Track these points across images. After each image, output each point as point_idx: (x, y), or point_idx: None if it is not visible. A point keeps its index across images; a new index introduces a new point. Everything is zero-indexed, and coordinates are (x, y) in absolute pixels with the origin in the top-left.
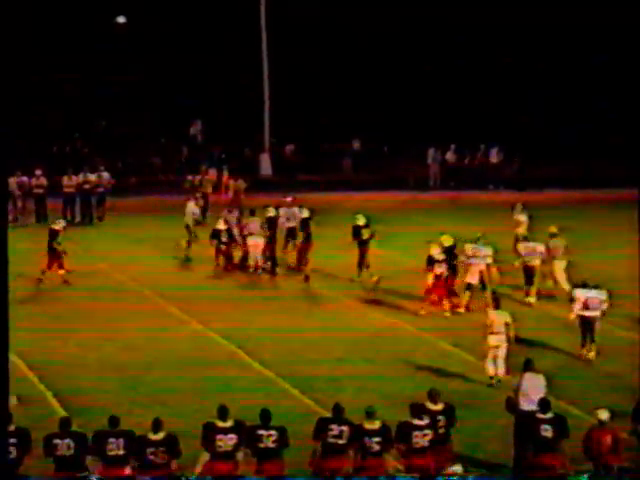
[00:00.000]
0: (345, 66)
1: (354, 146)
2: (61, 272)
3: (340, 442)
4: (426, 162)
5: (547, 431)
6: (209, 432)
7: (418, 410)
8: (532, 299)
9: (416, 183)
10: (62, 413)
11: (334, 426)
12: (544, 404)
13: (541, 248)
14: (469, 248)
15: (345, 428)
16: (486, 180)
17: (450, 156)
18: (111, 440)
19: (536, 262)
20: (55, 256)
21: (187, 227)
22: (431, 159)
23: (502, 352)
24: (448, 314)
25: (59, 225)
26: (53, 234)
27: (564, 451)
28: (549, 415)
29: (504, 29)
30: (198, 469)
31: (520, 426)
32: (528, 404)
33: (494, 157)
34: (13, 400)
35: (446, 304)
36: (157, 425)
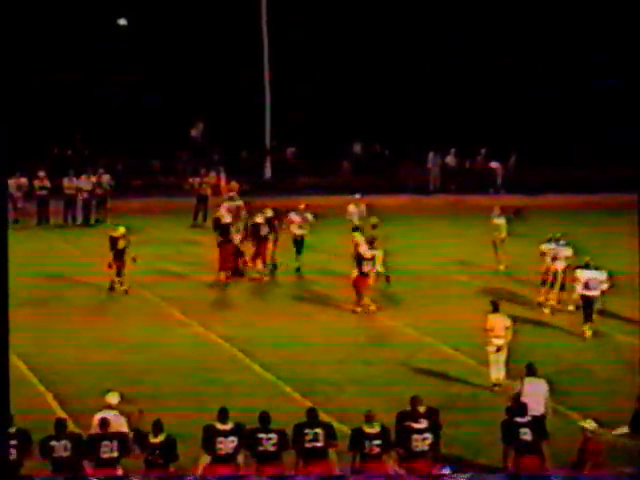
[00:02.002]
0: (346, 69)
1: (354, 149)
2: (117, 279)
3: (318, 445)
4: (426, 166)
5: (526, 434)
6: (209, 435)
7: (403, 416)
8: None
9: (416, 187)
10: (62, 415)
11: (308, 430)
12: (521, 408)
13: None
14: (544, 248)
15: (319, 430)
16: (487, 184)
17: (450, 160)
18: (105, 443)
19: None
20: (119, 263)
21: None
22: (431, 163)
23: (503, 356)
24: (374, 307)
25: (118, 232)
26: (114, 241)
27: (544, 453)
28: (527, 418)
29: (504, 29)
30: (199, 472)
31: None
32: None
33: (495, 163)
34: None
35: (368, 299)
36: (157, 427)
